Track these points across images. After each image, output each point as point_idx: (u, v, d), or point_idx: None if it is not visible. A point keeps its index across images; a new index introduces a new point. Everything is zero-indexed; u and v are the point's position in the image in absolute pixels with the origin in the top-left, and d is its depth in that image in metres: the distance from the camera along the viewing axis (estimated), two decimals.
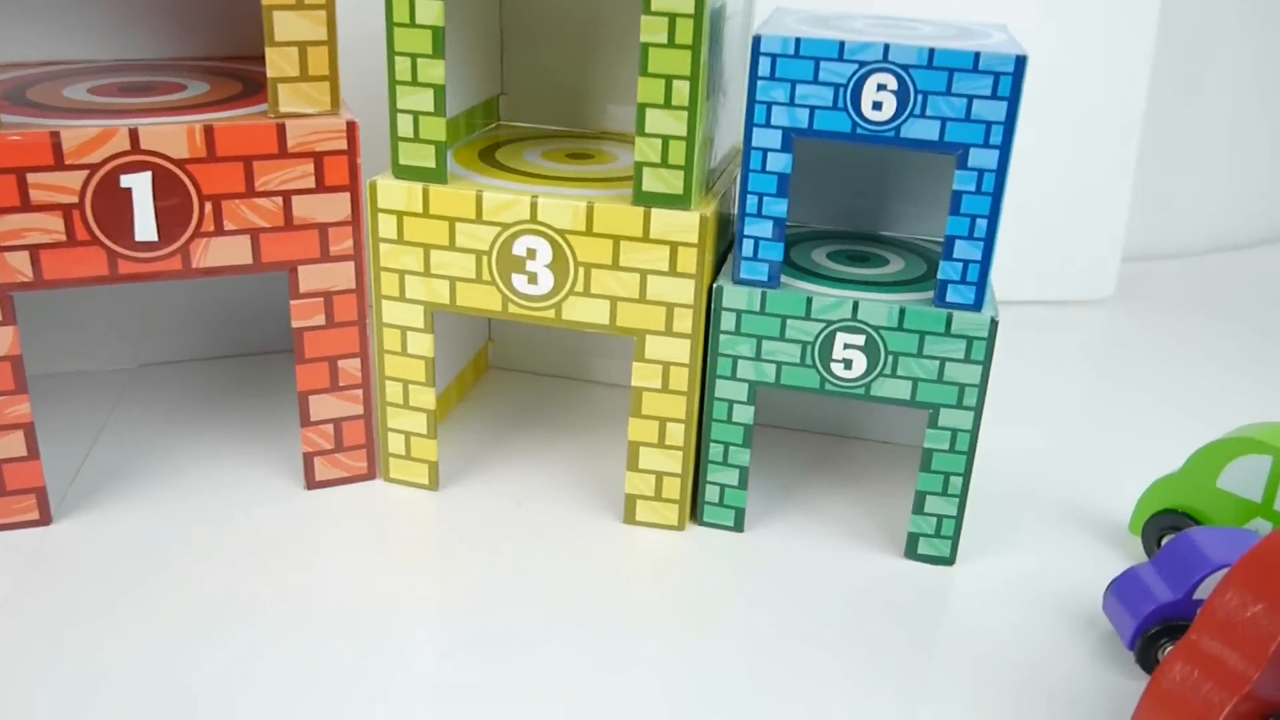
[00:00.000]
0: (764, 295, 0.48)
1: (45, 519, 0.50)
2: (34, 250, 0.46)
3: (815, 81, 0.44)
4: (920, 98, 0.44)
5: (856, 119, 0.44)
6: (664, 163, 0.46)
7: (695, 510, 0.53)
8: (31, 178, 0.44)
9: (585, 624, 0.45)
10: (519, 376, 0.67)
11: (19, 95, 0.51)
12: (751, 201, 0.47)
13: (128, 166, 0.46)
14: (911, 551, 0.51)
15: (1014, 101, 0.43)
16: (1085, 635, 0.46)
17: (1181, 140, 0.91)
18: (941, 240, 0.55)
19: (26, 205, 0.45)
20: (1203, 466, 0.50)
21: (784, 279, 0.49)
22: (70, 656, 0.42)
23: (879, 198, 0.57)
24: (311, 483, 0.54)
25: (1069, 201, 0.80)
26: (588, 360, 0.66)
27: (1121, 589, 0.45)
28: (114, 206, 0.46)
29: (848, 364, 0.48)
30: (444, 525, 0.52)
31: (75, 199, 0.45)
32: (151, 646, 0.43)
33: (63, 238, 0.46)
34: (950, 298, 0.46)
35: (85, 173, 0.45)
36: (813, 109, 0.45)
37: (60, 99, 0.50)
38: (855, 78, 0.44)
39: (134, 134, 0.45)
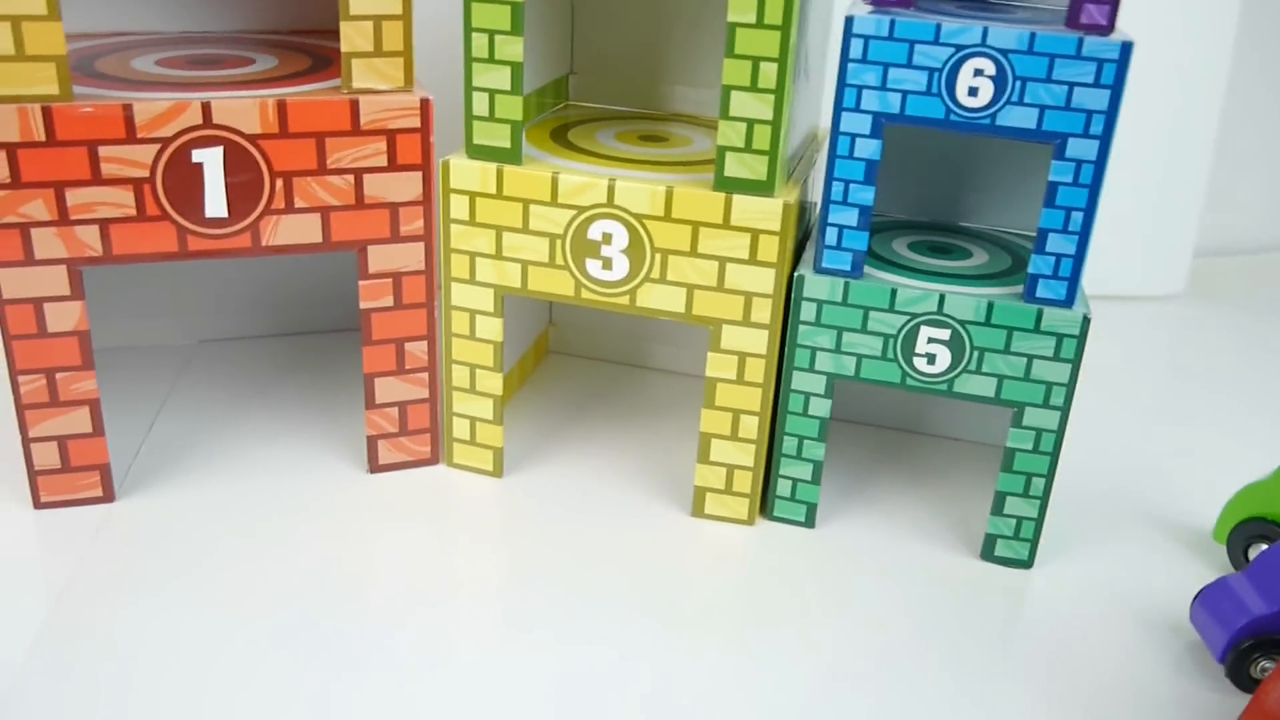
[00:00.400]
0: (847, 285, 0.46)
1: (109, 496, 0.49)
2: (104, 224, 0.45)
3: (909, 65, 0.43)
4: (1019, 84, 0.42)
5: (951, 105, 0.43)
6: (748, 147, 0.45)
7: (765, 505, 0.51)
8: (103, 150, 0.44)
9: (651, 616, 0.44)
10: (580, 362, 0.66)
11: (88, 66, 0.50)
12: (837, 188, 0.45)
13: (200, 141, 0.45)
14: (988, 553, 0.49)
15: (1117, 90, 0.41)
16: (1169, 645, 0.45)
17: (1254, 137, 0.89)
18: (1024, 232, 0.54)
19: (97, 178, 0.44)
20: None
21: (867, 269, 0.47)
22: (133, 634, 0.41)
23: (959, 187, 0.55)
24: (375, 466, 0.53)
25: (1142, 196, 0.78)
26: (650, 347, 0.65)
27: (1211, 600, 0.43)
28: (185, 181, 0.45)
29: (931, 359, 0.47)
30: (508, 512, 0.51)
31: (146, 173, 0.44)
32: (213, 626, 0.42)
33: (133, 212, 0.45)
34: (1041, 293, 0.45)
35: (157, 146, 0.44)
36: (905, 94, 0.43)
37: (129, 71, 0.49)
38: (951, 62, 0.42)
39: (206, 107, 0.44)
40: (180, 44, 0.56)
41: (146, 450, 0.54)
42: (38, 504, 0.49)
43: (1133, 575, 0.49)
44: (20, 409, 0.47)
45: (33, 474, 0.48)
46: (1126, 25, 0.57)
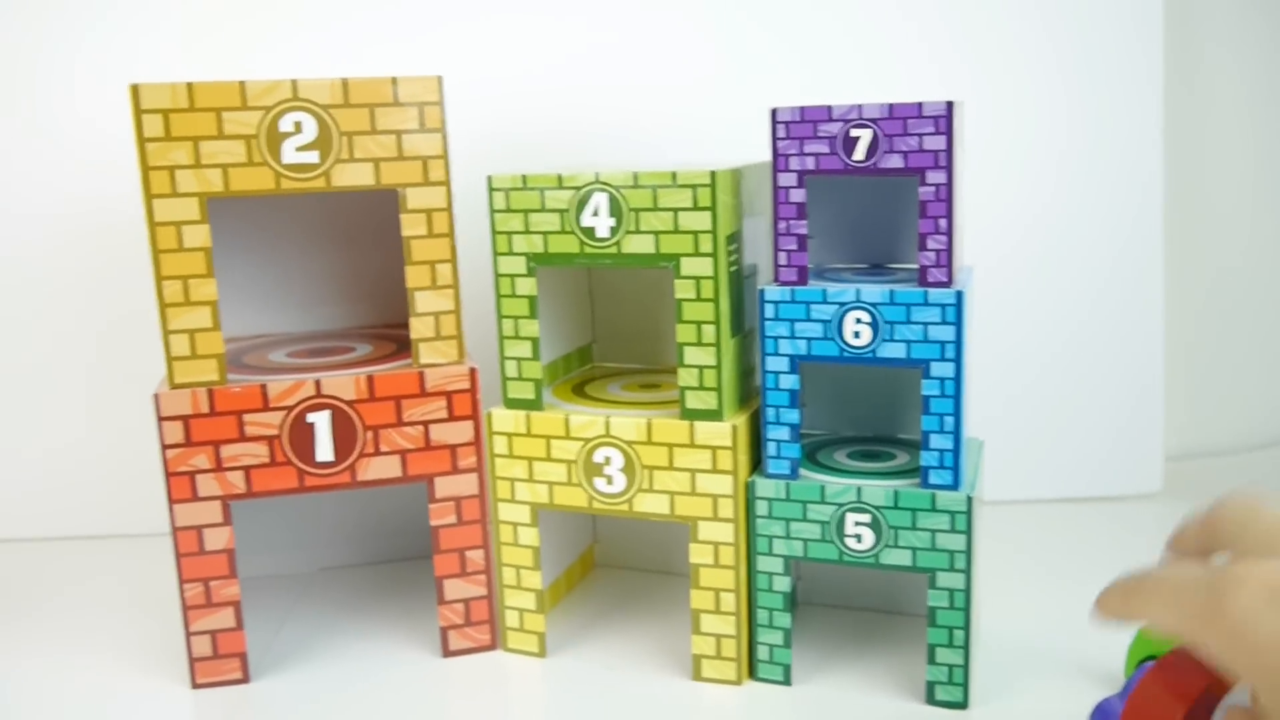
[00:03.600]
0: (788, 485, 0.61)
1: (246, 678, 0.65)
2: (246, 470, 0.63)
3: (809, 319, 0.59)
4: (888, 327, 0.57)
5: (843, 345, 0.58)
6: (700, 386, 0.61)
7: (751, 667, 0.64)
8: (247, 417, 0.62)
9: None
10: (623, 572, 0.80)
11: (238, 359, 0.69)
12: (771, 413, 0.61)
13: (313, 407, 0.63)
14: (930, 698, 0.60)
15: (959, 325, 0.56)
16: None
17: (1213, 342, 1.01)
18: None
19: (242, 437, 0.62)
20: None
21: (805, 473, 0.62)
22: None
23: (892, 407, 0.70)
24: (447, 651, 0.67)
25: (1108, 400, 0.90)
26: (678, 556, 0.79)
27: (1098, 716, 0.54)
28: (302, 436, 0.63)
29: (859, 538, 0.60)
30: (548, 686, 0.64)
31: (276, 431, 0.63)
32: None
33: (266, 460, 0.63)
34: (933, 480, 0.58)
35: (284, 412, 0.62)
36: (809, 339, 0.59)
37: (266, 362, 0.69)
38: (838, 314, 0.58)
39: (318, 384, 0.63)
40: (306, 340, 0.76)
41: (277, 644, 0.70)
42: (194, 685, 0.65)
43: (1057, 709, 0.59)
44: (185, 610, 0.63)
45: (191, 661, 0.64)
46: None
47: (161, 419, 0.61)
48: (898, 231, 0.68)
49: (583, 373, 0.75)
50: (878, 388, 0.70)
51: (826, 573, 0.72)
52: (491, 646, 0.68)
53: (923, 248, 0.57)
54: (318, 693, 0.64)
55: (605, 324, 0.78)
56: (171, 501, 0.62)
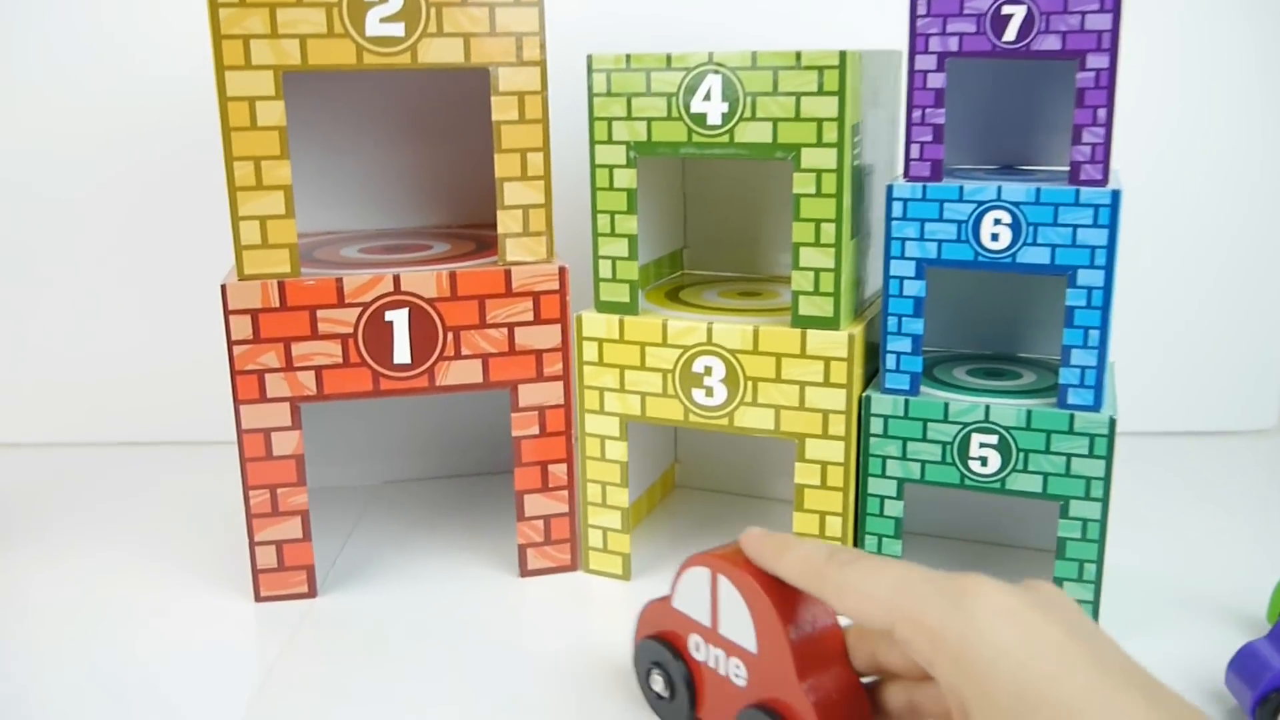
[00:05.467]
0: (907, 402, 0.56)
1: (312, 593, 0.61)
2: (318, 370, 0.58)
3: (941, 219, 0.53)
4: (1031, 229, 0.52)
5: (978, 249, 0.53)
6: (816, 291, 0.55)
7: None
8: (320, 314, 0.57)
9: None
10: (703, 494, 0.76)
11: (309, 254, 0.65)
12: (892, 322, 0.55)
13: (391, 304, 0.58)
14: None
15: (1113, 228, 0.51)
16: (1215, 709, 0.50)
17: None
18: None
19: (315, 334, 0.58)
20: None
21: (924, 389, 0.57)
22: (329, 708, 0.52)
23: (1015, 322, 0.64)
24: (524, 571, 0.63)
25: (1227, 330, 0.84)
26: (763, 479, 0.75)
27: (1240, 663, 0.49)
28: (379, 336, 0.58)
29: (984, 461, 0.55)
30: (632, 612, 0.60)
31: (350, 330, 0.58)
32: (396, 703, 0.52)
33: (340, 360, 0.58)
34: (1071, 400, 0.53)
35: (359, 309, 0.58)
36: (940, 242, 0.53)
37: (340, 257, 0.64)
38: (974, 215, 0.53)
39: (397, 279, 0.58)
40: (378, 237, 0.71)
41: (342, 559, 0.66)
42: (258, 598, 0.61)
43: (1188, 652, 0.55)
44: (250, 518, 0.59)
45: (255, 572, 0.60)
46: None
47: (229, 312, 0.57)
48: (1031, 129, 0.62)
49: (674, 279, 0.70)
50: (1000, 300, 0.64)
51: (921, 498, 0.67)
52: (572, 567, 0.64)
53: (1076, 141, 0.51)
54: (386, 611, 0.60)
55: (699, 228, 0.72)
56: (237, 402, 0.58)
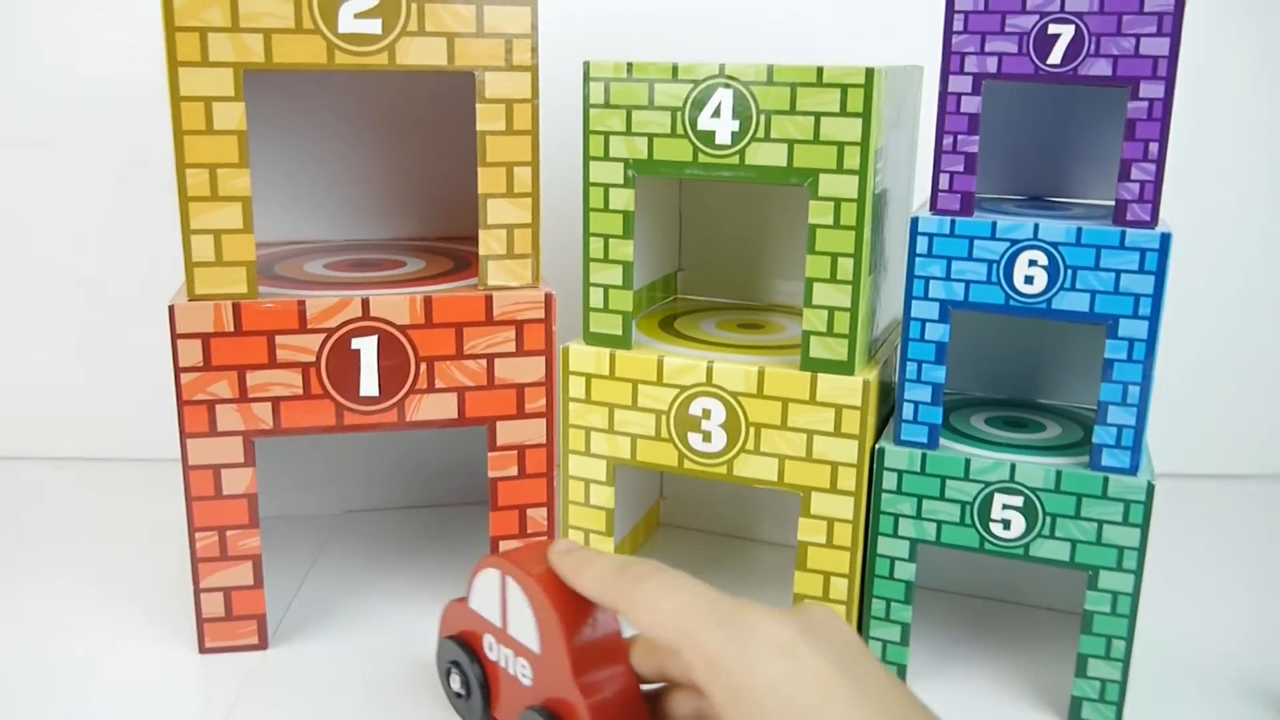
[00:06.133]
0: (924, 456, 0.51)
1: (263, 644, 0.55)
2: (275, 402, 0.52)
3: (970, 258, 0.48)
4: (1070, 272, 0.47)
5: (1010, 292, 0.48)
6: (829, 331, 0.50)
7: None
8: (279, 339, 0.52)
9: None
10: (690, 534, 0.71)
11: (268, 269, 0.59)
12: (911, 368, 0.50)
13: (358, 331, 0.52)
14: (1075, 716, 0.51)
15: (1160, 275, 0.46)
16: None
17: None
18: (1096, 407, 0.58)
19: (273, 362, 0.52)
20: None
21: (943, 442, 0.52)
22: None
23: (1035, 366, 0.60)
24: None
25: (1243, 372, 0.80)
26: (756, 520, 0.69)
27: None
28: (344, 365, 0.53)
29: (1006, 524, 0.50)
30: None
31: (313, 358, 0.52)
32: None
33: (300, 391, 0.53)
34: (1106, 461, 0.48)
35: (323, 335, 0.52)
36: (968, 283, 0.48)
37: (303, 273, 0.58)
38: (1008, 254, 0.48)
39: (365, 303, 0.52)
40: (345, 250, 0.65)
41: (298, 601, 0.60)
42: (202, 649, 0.55)
43: None
44: (195, 562, 0.54)
45: (200, 621, 0.55)
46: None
47: (177, 336, 0.51)
48: (1061, 157, 0.57)
49: (667, 305, 0.64)
50: (1019, 341, 0.59)
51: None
52: None
53: (1124, 177, 0.46)
54: (346, 663, 0.54)
55: (695, 251, 0.67)
56: (184, 435, 0.52)
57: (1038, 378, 0.59)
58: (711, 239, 0.66)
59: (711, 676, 0.37)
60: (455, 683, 0.49)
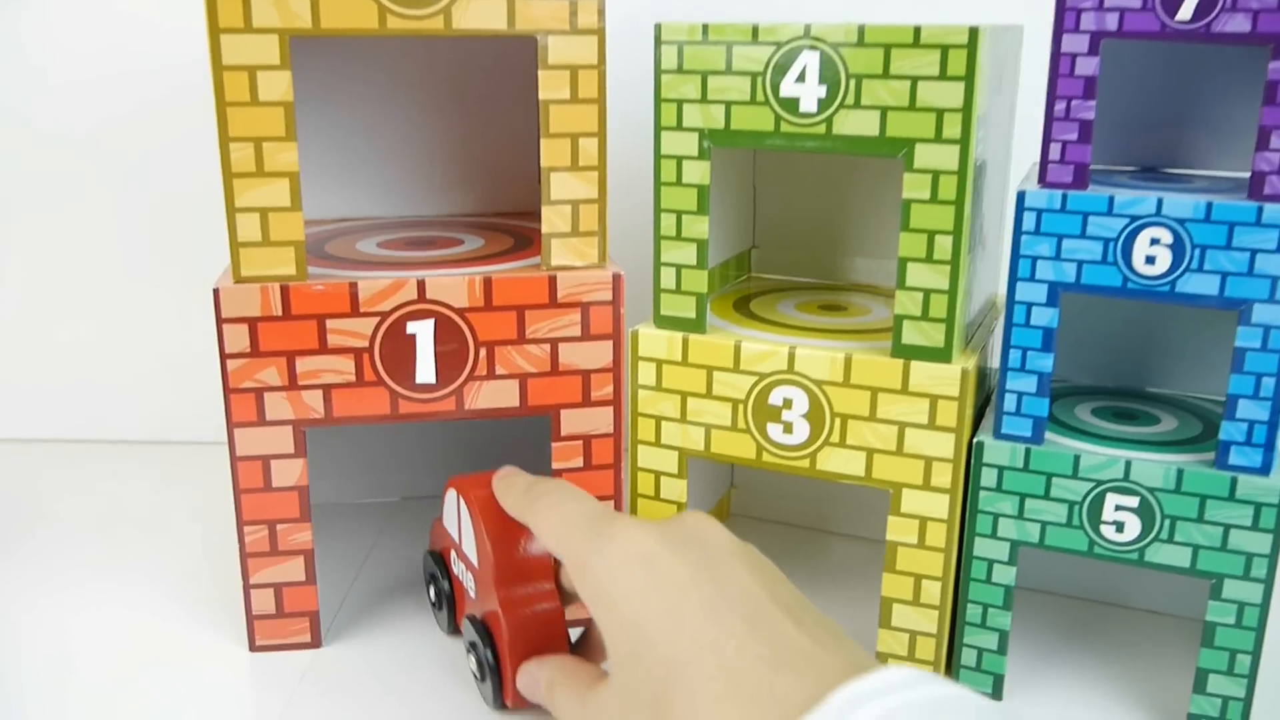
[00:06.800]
0: (1028, 451, 0.46)
1: (316, 642, 0.53)
2: (327, 389, 0.49)
3: (1083, 236, 0.44)
4: (1197, 252, 0.42)
5: (1128, 273, 0.43)
6: (925, 316, 0.46)
7: (949, 673, 0.50)
8: (330, 324, 0.49)
9: None
10: (761, 525, 0.67)
11: (318, 249, 0.56)
12: (1015, 356, 0.46)
13: (414, 314, 0.49)
14: None
15: None
16: None
17: None
18: (1214, 397, 0.53)
19: (324, 348, 0.49)
20: None
21: (1048, 435, 0.47)
22: None
23: (1144, 351, 0.55)
24: None
25: None
26: (830, 510, 0.66)
27: None
28: (399, 351, 0.49)
29: (1119, 526, 0.46)
30: None
31: (366, 343, 0.49)
32: None
33: (352, 378, 0.49)
34: (1234, 460, 0.44)
35: (377, 319, 0.49)
36: (1080, 263, 0.44)
37: (354, 252, 0.55)
38: (1126, 232, 0.43)
39: (421, 285, 0.49)
40: (398, 228, 0.62)
41: (354, 595, 0.57)
42: (253, 646, 0.52)
43: None
44: (244, 557, 0.51)
45: (250, 618, 0.52)
46: None
47: (222, 321, 0.48)
48: (1178, 124, 0.52)
49: (740, 285, 0.60)
50: (1126, 323, 0.55)
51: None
52: None
53: (1263, 146, 0.41)
54: (404, 662, 0.51)
55: (770, 226, 0.63)
56: (231, 425, 0.49)
57: (1147, 364, 0.55)
58: (788, 214, 0.62)
59: (581, 585, 0.39)
60: (431, 593, 0.54)
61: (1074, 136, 0.44)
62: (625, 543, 0.38)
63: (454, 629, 0.53)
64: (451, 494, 0.51)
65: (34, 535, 0.64)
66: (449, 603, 0.52)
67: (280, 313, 0.48)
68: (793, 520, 0.67)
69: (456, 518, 0.50)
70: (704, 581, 0.36)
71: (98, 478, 0.73)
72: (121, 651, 0.52)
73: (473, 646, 0.48)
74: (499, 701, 0.47)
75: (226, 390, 0.49)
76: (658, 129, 0.49)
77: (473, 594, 0.49)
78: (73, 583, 0.59)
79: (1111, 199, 0.43)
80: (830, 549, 0.64)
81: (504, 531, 0.47)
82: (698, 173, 0.48)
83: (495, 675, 0.46)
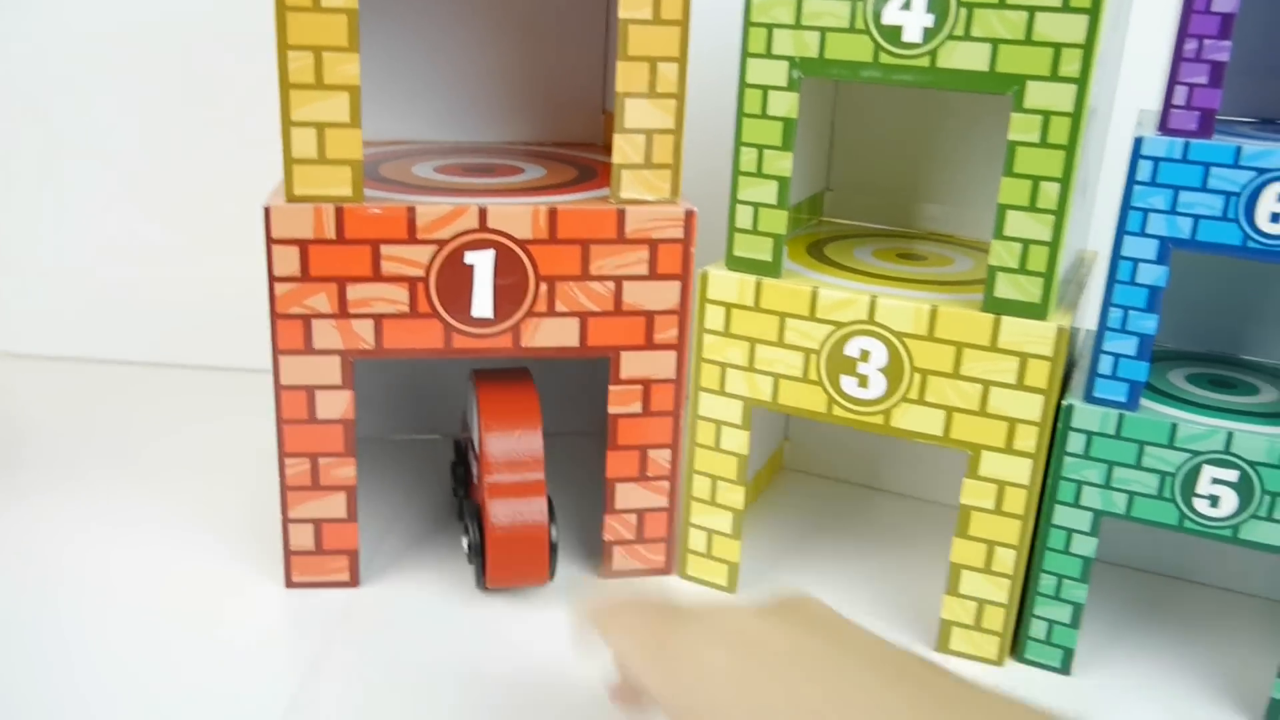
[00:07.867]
0: (1121, 418, 0.43)
1: (355, 581, 0.51)
2: (378, 319, 0.47)
3: (1203, 189, 0.40)
4: None
5: (1250, 232, 0.40)
6: (1022, 269, 0.43)
7: (1016, 645, 0.48)
8: (385, 250, 0.46)
9: None
10: (814, 480, 0.64)
11: (372, 171, 0.53)
12: (1115, 315, 0.43)
13: (473, 244, 0.46)
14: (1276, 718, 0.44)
15: None
16: None
17: None
18: None
19: (377, 276, 0.46)
20: None
21: (1143, 402, 0.45)
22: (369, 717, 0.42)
23: (1241, 316, 0.52)
24: (607, 571, 0.52)
25: None
26: (885, 468, 0.63)
27: None
28: (456, 282, 0.47)
29: (1214, 501, 0.43)
30: None
31: (421, 272, 0.46)
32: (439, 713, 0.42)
33: (405, 309, 0.47)
34: None
35: (434, 248, 0.46)
36: (1197, 218, 0.41)
37: (411, 176, 0.52)
38: (1252, 186, 0.40)
39: (483, 213, 0.46)
40: (454, 153, 0.59)
41: (392, 539, 0.55)
42: (289, 583, 0.50)
43: None
44: (284, 490, 0.49)
45: (288, 554, 0.50)
46: None
47: (272, 241, 0.45)
48: None
49: (812, 229, 0.57)
50: (1220, 285, 0.52)
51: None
52: (666, 571, 0.53)
53: None
54: (438, 608, 0.49)
55: (846, 169, 0.59)
56: (277, 351, 0.47)
57: (1243, 330, 0.52)
58: (866, 155, 0.59)
59: None
60: (459, 473, 0.57)
61: (1204, 80, 0.40)
62: None
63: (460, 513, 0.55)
64: (469, 385, 0.53)
65: (73, 458, 0.62)
66: (464, 488, 0.55)
67: (334, 236, 0.45)
68: (846, 476, 0.64)
69: (473, 405, 0.52)
70: None
71: (140, 400, 0.71)
72: (153, 579, 0.50)
73: (465, 530, 0.50)
74: (480, 583, 0.50)
75: (274, 315, 0.46)
76: (744, 55, 0.45)
77: (475, 478, 0.51)
78: (110, 510, 0.57)
79: (1238, 149, 0.40)
80: (884, 507, 0.61)
81: (498, 420, 0.49)
82: (784, 105, 0.45)
83: (479, 557, 0.49)
